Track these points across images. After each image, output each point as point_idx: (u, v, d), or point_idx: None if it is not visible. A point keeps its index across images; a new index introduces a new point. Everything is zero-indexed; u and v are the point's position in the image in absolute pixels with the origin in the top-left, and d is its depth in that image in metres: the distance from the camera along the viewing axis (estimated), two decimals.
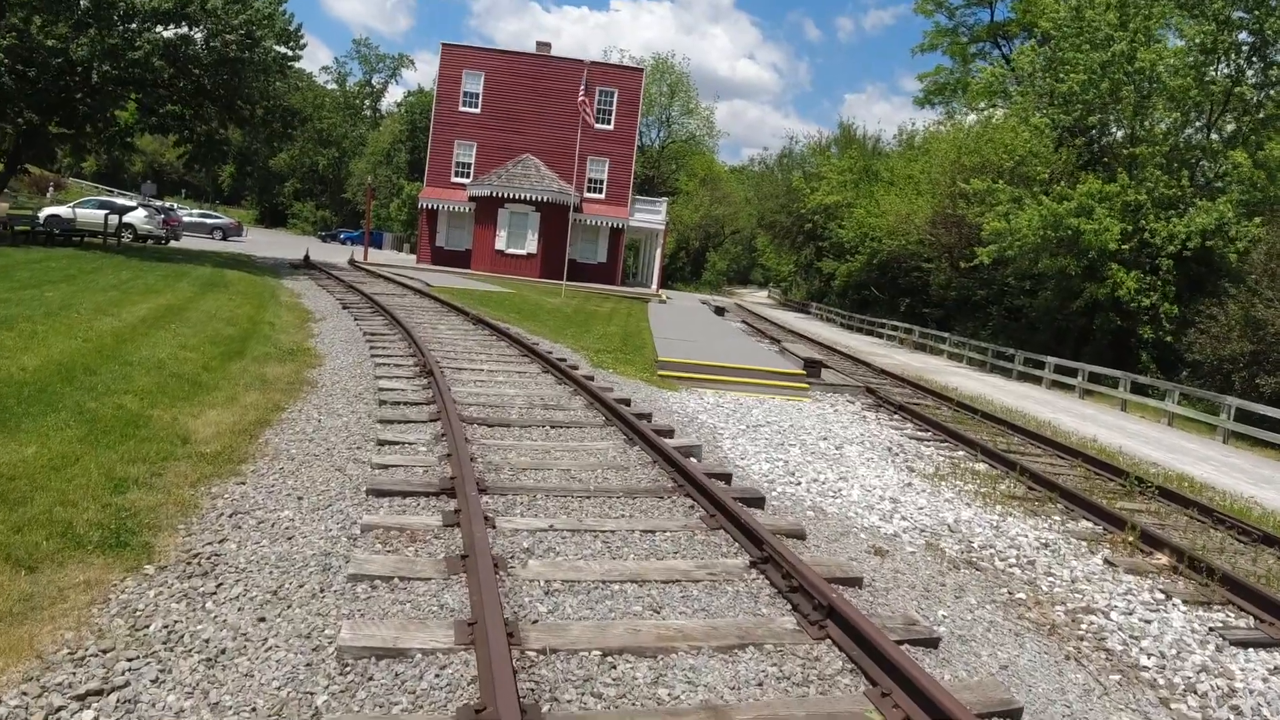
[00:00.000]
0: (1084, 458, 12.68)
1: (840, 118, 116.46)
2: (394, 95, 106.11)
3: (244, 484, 6.44)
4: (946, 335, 35.62)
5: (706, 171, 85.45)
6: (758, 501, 7.22)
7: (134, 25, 24.19)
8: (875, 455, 10.99)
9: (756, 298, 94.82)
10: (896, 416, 14.99)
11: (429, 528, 5.67)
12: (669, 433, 9.41)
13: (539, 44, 45.25)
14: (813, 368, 16.78)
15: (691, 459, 8.47)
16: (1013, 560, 7.61)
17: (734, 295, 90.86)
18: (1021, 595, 6.84)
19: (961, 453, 12.23)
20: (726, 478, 7.91)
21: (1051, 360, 26.73)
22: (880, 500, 8.73)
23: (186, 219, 52.35)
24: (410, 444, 7.68)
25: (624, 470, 7.53)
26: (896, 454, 11.42)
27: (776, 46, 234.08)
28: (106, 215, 30.17)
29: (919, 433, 13.60)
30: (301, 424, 8.30)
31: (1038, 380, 26.97)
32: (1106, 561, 8.03)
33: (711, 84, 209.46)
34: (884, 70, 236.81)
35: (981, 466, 11.40)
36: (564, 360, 13.82)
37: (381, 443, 7.65)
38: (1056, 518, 9.30)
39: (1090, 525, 9.20)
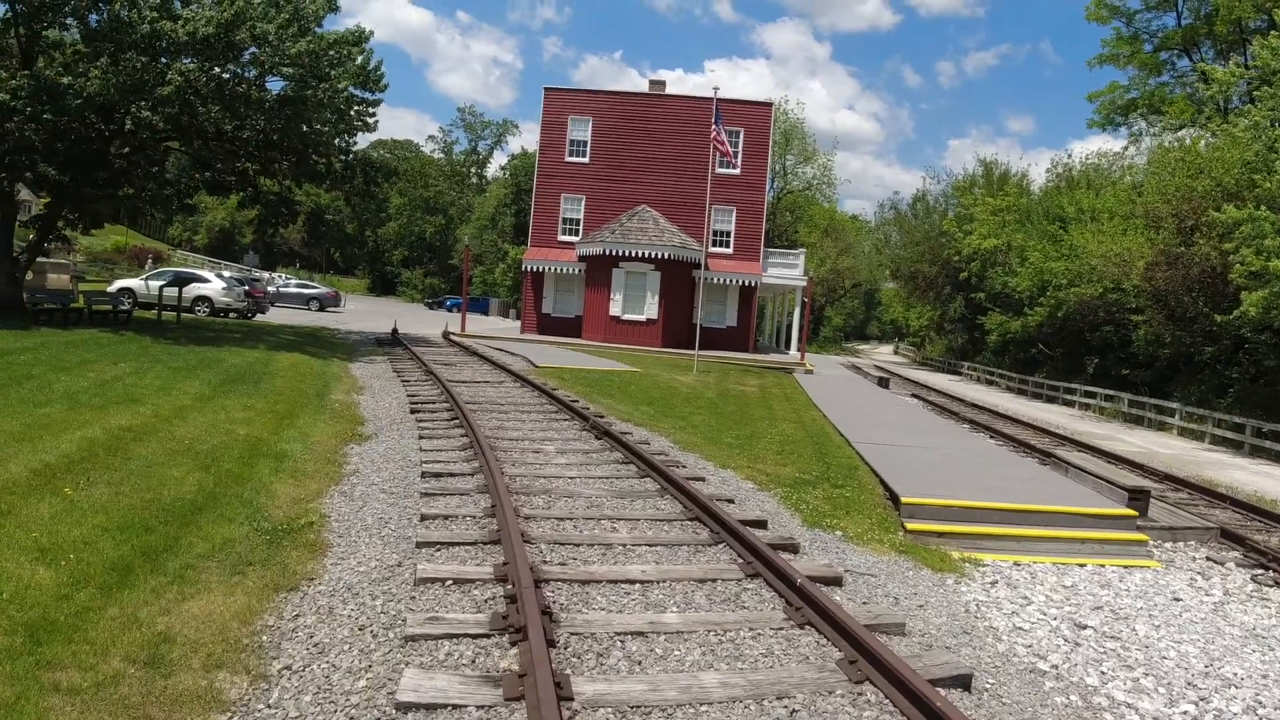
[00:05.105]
0: None
1: (979, 157, 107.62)
2: (499, 162, 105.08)
3: None
4: (1175, 406, 28.06)
5: (828, 221, 78.92)
6: None
7: (164, 59, 19.59)
8: None
9: (883, 354, 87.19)
10: None
11: None
12: None
13: (652, 83, 40.15)
14: (1138, 500, 10.31)
15: None
16: None
17: (859, 353, 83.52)
18: None
19: None
20: None
21: None
22: None
23: (284, 289, 50.05)
24: None
25: None
26: None
27: (876, 95, 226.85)
28: (162, 288, 26.09)
29: None
30: None
31: None
32: None
33: (813, 137, 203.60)
34: (987, 113, 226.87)
35: None
36: (759, 525, 7.87)
37: None
38: None
39: None
